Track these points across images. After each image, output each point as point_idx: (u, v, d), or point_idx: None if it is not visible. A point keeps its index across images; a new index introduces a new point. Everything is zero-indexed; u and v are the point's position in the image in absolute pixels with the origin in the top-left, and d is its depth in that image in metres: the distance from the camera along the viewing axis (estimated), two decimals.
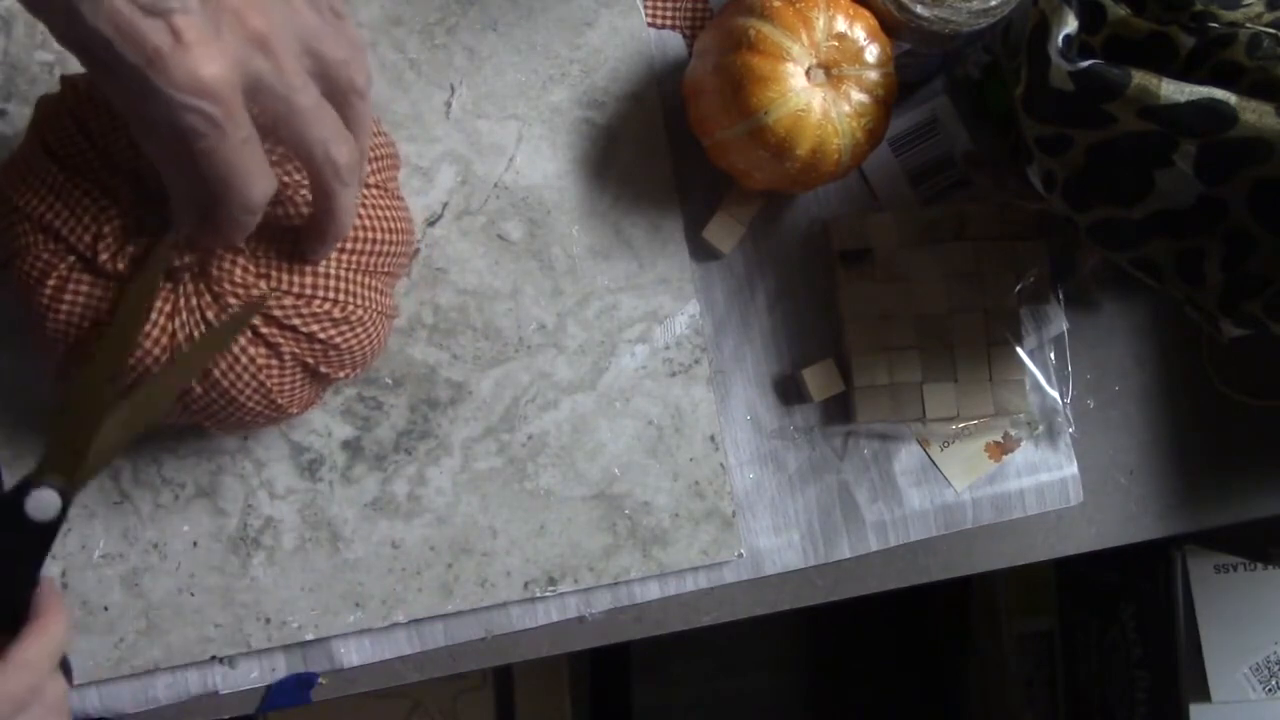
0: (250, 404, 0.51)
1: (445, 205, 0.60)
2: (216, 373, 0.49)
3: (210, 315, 0.48)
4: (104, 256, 0.47)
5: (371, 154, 0.52)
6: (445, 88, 0.61)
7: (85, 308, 0.48)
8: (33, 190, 0.48)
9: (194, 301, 0.48)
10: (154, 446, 0.58)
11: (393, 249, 0.52)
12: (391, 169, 0.54)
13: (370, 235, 0.51)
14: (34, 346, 0.51)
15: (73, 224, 0.47)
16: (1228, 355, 0.66)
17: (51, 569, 0.56)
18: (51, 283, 0.48)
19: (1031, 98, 0.53)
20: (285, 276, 0.49)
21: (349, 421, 0.59)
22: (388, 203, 0.52)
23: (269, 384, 0.50)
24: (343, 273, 0.50)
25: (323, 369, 0.52)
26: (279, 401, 0.51)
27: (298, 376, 0.51)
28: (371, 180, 0.52)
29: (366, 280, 0.51)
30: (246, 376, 0.50)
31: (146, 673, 0.57)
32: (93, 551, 0.57)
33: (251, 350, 0.49)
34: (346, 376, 0.54)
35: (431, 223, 0.60)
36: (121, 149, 0.48)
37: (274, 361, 0.50)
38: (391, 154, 0.54)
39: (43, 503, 0.42)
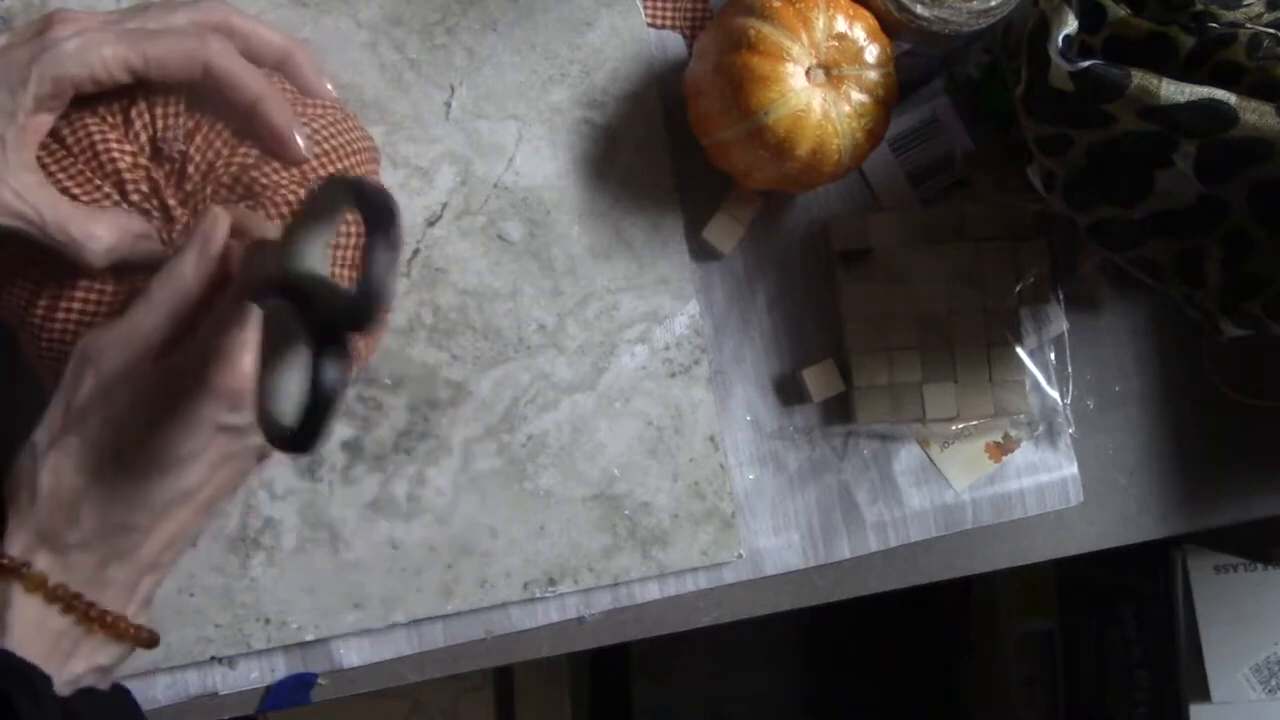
0: None
1: (445, 205, 0.60)
2: None
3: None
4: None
5: (349, 149, 0.52)
6: (445, 88, 0.61)
7: (79, 321, 0.48)
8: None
9: None
10: None
11: None
12: (371, 163, 0.54)
13: (356, 231, 0.51)
14: (33, 364, 0.51)
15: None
16: (1228, 355, 0.66)
17: None
18: (43, 303, 0.47)
19: (1031, 98, 0.53)
20: None
21: (349, 422, 0.59)
22: None
23: None
24: (332, 270, 0.50)
25: None
26: None
27: None
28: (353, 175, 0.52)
29: (355, 276, 0.51)
30: None
31: (146, 673, 0.57)
32: None
33: None
34: None
35: (431, 223, 0.60)
36: (106, 152, 0.48)
37: None
38: (370, 147, 0.54)
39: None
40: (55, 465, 0.44)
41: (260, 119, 0.47)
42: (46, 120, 0.46)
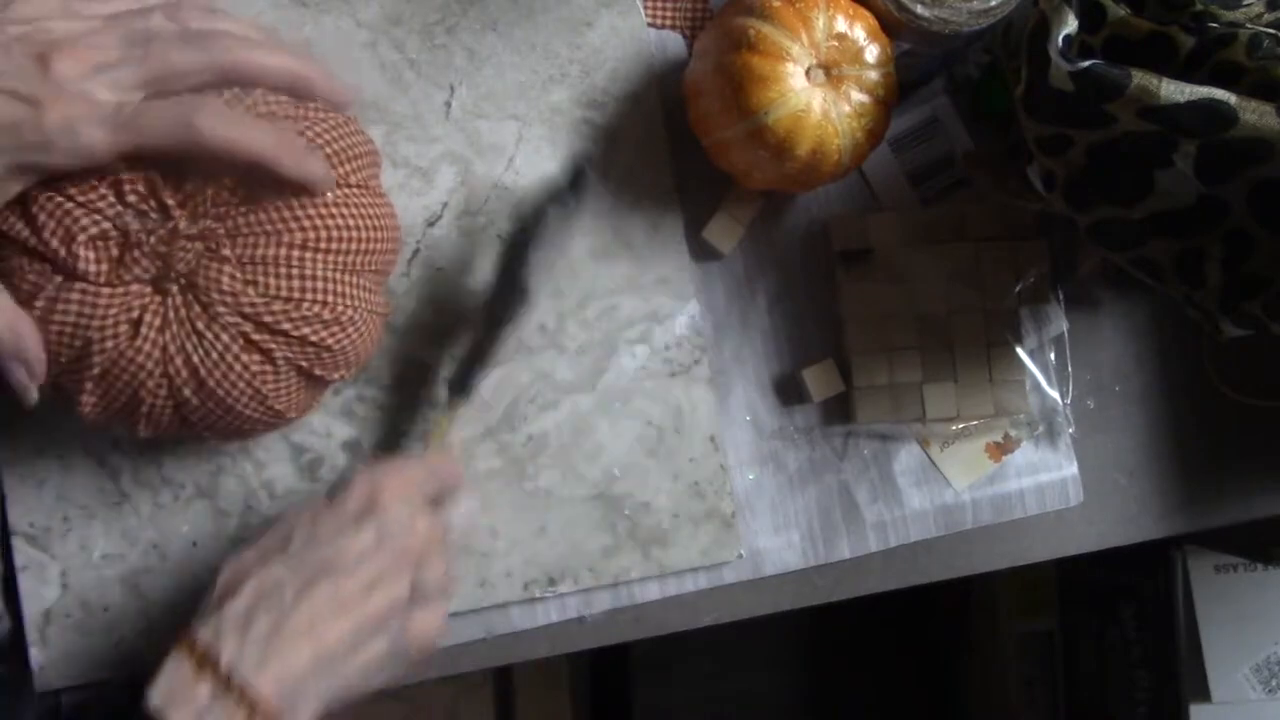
0: (247, 411, 0.51)
1: (445, 205, 0.60)
2: (211, 382, 0.49)
3: (201, 325, 0.48)
4: (87, 266, 0.47)
5: (350, 153, 0.52)
6: (445, 88, 0.61)
7: (77, 324, 0.48)
8: (10, 210, 0.47)
9: (183, 313, 0.48)
10: (154, 447, 0.57)
11: (379, 246, 0.52)
12: (372, 166, 0.54)
13: (355, 235, 0.51)
14: None
15: (51, 240, 0.47)
16: (1228, 355, 0.66)
17: (51, 569, 0.56)
18: (40, 303, 0.47)
19: (1031, 98, 0.53)
20: (273, 281, 0.49)
21: (349, 422, 0.59)
22: (369, 200, 0.52)
23: (264, 390, 0.50)
24: (330, 274, 0.50)
25: (317, 371, 0.51)
26: (276, 407, 0.51)
27: (293, 380, 0.51)
28: (353, 180, 0.51)
29: (354, 280, 0.51)
30: (241, 384, 0.50)
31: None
32: (93, 552, 0.57)
33: (245, 358, 0.49)
34: (341, 378, 0.54)
35: (431, 223, 0.60)
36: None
37: (268, 367, 0.50)
38: (370, 151, 0.54)
39: None
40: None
41: (269, 173, 0.47)
42: (13, 188, 0.45)
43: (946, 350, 0.62)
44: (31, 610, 0.56)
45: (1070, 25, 0.50)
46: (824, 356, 0.62)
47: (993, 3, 0.55)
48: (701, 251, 0.62)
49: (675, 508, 0.61)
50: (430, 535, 0.51)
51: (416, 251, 0.60)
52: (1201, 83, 0.49)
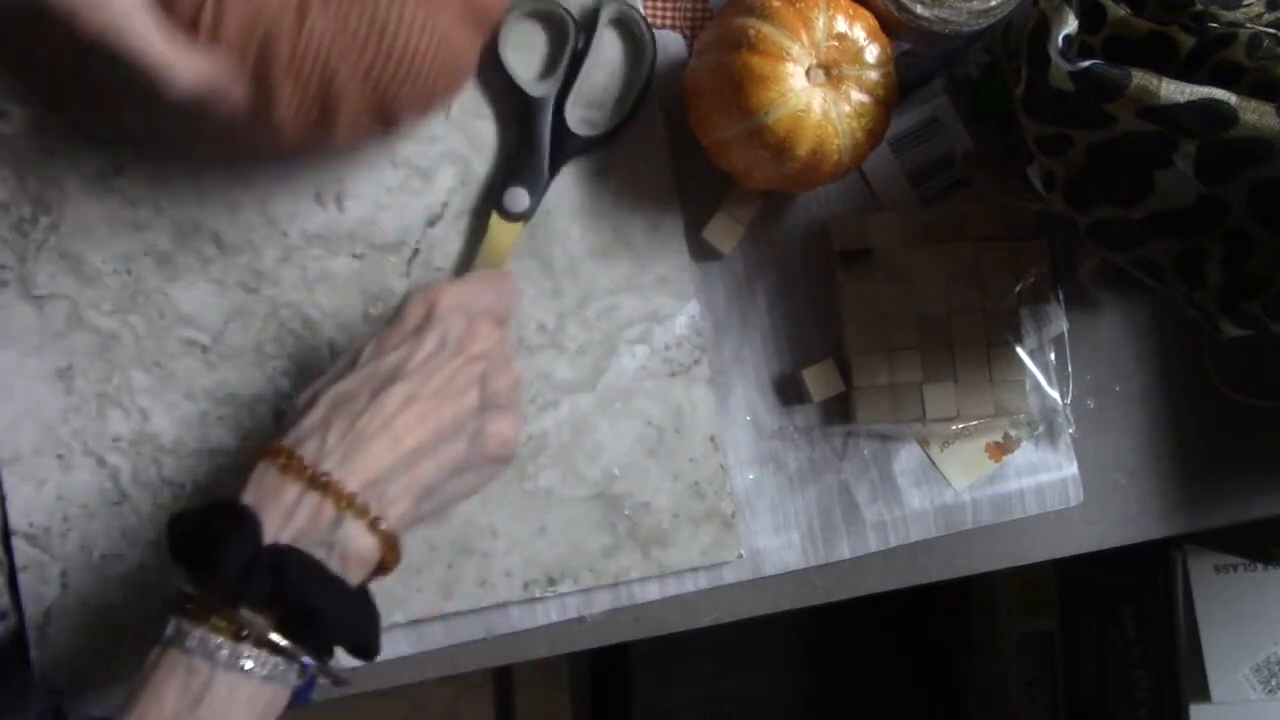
0: (429, 54, 0.51)
1: (445, 205, 0.60)
2: (390, 30, 0.49)
3: None
4: None
5: None
6: None
7: (246, 20, 0.47)
8: None
9: None
10: (153, 447, 0.58)
11: None
12: None
13: None
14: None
15: None
16: (1228, 355, 0.66)
17: (51, 569, 0.56)
18: (207, 15, 0.47)
19: (1031, 98, 0.53)
20: None
21: None
22: None
23: (437, 26, 0.50)
24: None
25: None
26: (452, 40, 0.51)
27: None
28: None
29: None
30: (417, 26, 0.50)
31: None
32: (92, 551, 0.57)
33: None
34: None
35: (431, 223, 0.60)
36: None
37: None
38: None
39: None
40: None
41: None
42: None
43: (946, 350, 0.62)
44: (31, 610, 0.56)
45: (1070, 25, 0.50)
46: (824, 356, 0.62)
47: (993, 3, 0.55)
48: (701, 251, 0.62)
49: (675, 508, 0.61)
50: (492, 345, 0.51)
51: (416, 251, 0.60)
52: (1201, 83, 0.49)
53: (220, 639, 0.42)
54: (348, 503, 0.45)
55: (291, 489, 0.45)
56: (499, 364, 0.52)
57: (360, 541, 0.45)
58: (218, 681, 0.42)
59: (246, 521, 0.44)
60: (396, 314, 0.51)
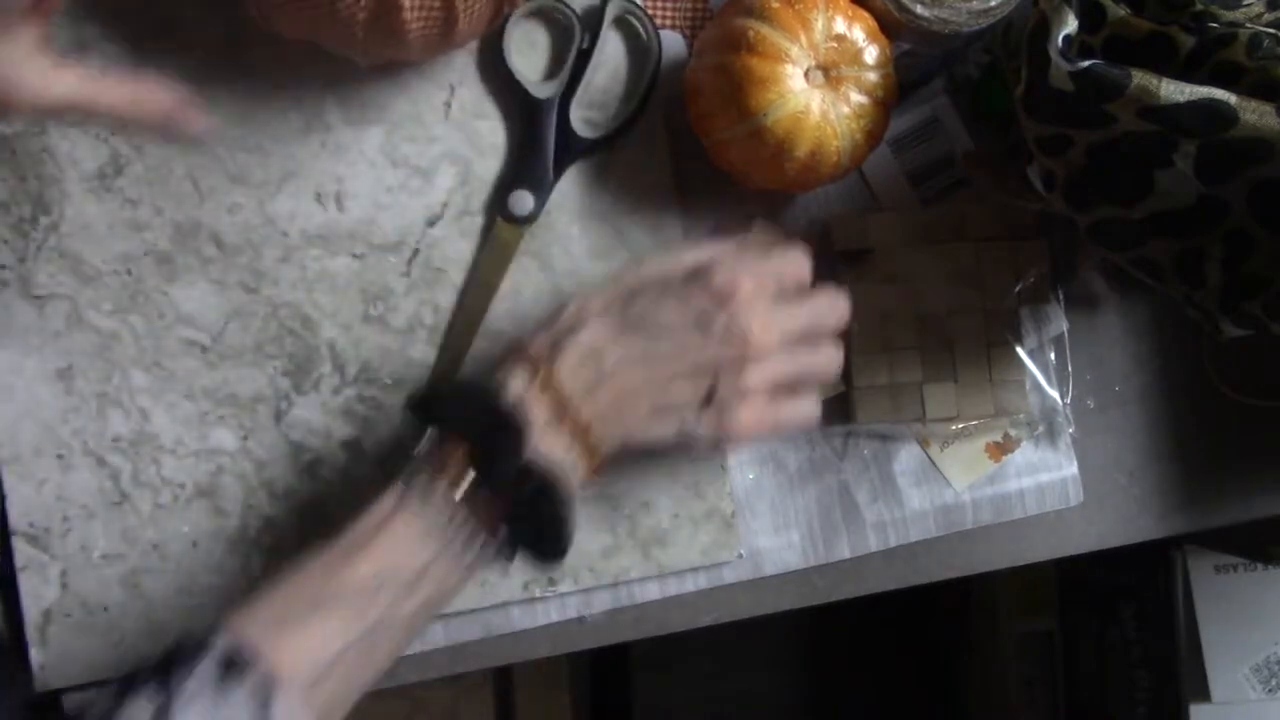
0: None
1: (445, 205, 0.60)
2: None
3: None
4: None
5: None
6: (445, 88, 0.61)
7: None
8: None
9: None
10: (153, 447, 0.58)
11: None
12: None
13: None
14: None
15: None
16: (1228, 355, 0.66)
17: (51, 569, 0.56)
18: None
19: (1031, 98, 0.53)
20: None
21: (349, 422, 0.59)
22: None
23: None
24: None
25: None
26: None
27: None
28: None
29: None
30: None
31: None
32: (92, 551, 0.57)
33: None
34: None
35: (431, 223, 0.60)
36: None
37: None
38: None
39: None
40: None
41: None
42: None
43: (946, 350, 0.62)
44: (31, 610, 0.56)
45: (1070, 25, 0.50)
46: None
47: (993, 3, 0.55)
48: None
49: (675, 507, 0.61)
50: (759, 340, 0.51)
51: (416, 251, 0.60)
52: (1201, 83, 0.49)
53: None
54: (586, 445, 0.49)
55: (541, 409, 0.49)
56: (764, 356, 0.52)
57: (578, 474, 0.50)
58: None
59: (518, 432, 0.48)
60: (698, 276, 0.51)
